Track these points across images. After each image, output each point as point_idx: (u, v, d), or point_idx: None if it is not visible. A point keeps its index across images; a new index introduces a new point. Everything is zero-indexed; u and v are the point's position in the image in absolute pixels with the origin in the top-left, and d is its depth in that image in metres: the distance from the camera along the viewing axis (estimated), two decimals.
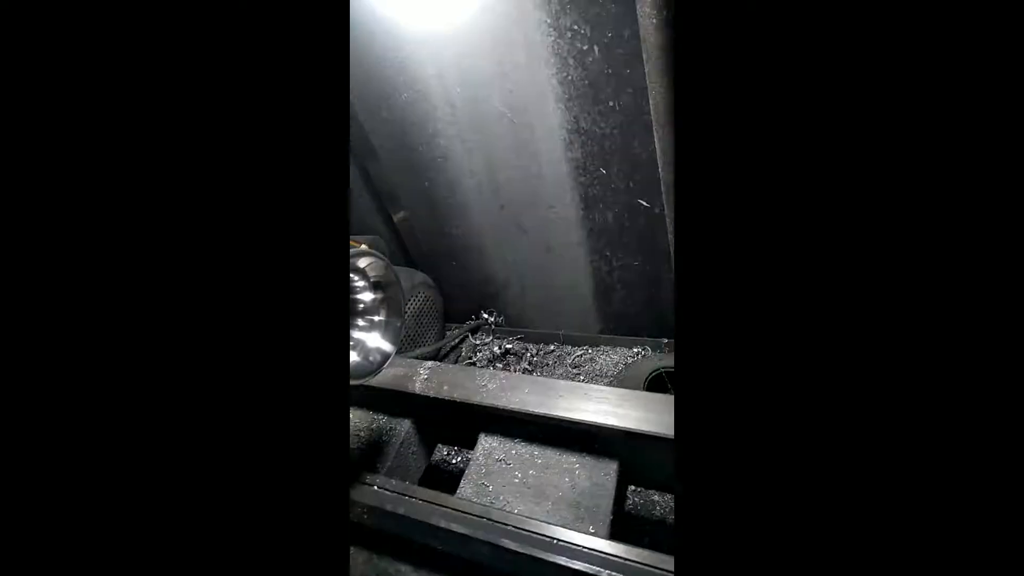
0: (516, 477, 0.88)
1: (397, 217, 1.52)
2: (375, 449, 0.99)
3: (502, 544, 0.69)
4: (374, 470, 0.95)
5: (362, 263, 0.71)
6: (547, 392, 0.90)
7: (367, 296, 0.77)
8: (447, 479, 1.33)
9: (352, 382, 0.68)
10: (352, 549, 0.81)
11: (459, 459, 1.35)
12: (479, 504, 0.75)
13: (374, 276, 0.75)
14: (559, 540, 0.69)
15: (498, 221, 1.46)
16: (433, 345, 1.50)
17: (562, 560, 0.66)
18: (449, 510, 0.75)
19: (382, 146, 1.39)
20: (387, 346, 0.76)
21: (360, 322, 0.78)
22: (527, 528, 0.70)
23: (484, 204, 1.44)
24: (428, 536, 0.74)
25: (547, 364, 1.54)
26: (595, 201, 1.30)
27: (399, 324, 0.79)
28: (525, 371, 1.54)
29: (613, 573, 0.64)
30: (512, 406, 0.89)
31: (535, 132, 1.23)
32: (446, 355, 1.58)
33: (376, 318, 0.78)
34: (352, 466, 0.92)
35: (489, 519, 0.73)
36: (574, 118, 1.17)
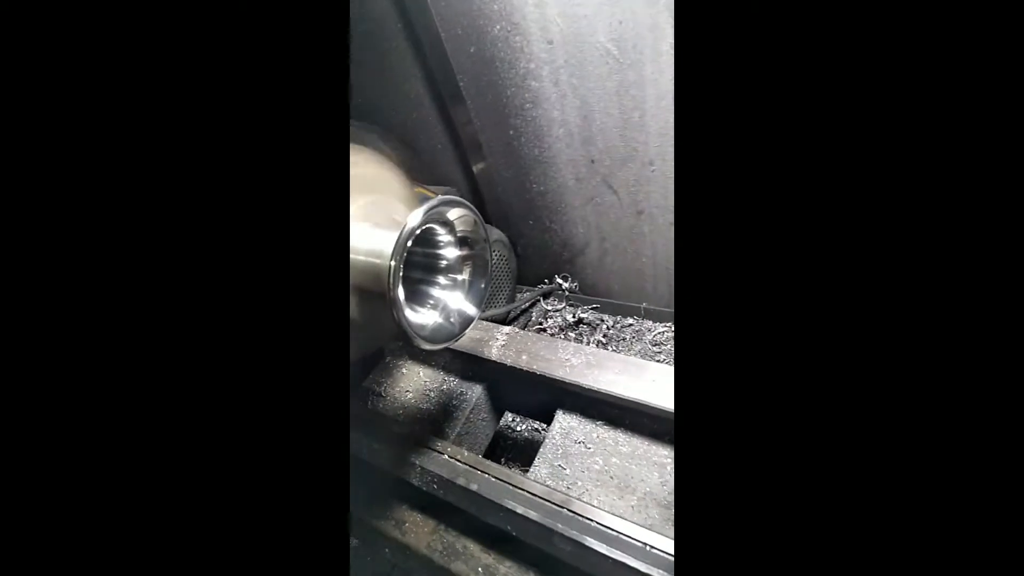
0: (597, 463, 0.80)
1: (476, 168, 1.42)
2: (445, 413, 0.94)
3: (586, 543, 0.61)
4: (443, 435, 0.91)
5: (452, 215, 0.62)
6: (639, 375, 0.79)
7: (451, 252, 0.69)
8: (511, 447, 1.28)
9: (430, 347, 0.60)
10: (419, 516, 0.77)
11: (524, 427, 1.29)
12: (559, 492, 0.67)
13: (462, 231, 0.66)
14: (653, 548, 0.60)
15: (586, 177, 1.32)
16: (503, 307, 1.42)
17: (656, 573, 0.57)
18: (526, 494, 0.68)
19: (467, 88, 1.27)
20: (470, 308, 0.68)
21: (442, 280, 0.70)
22: (616, 529, 0.62)
23: (572, 157, 1.31)
24: (501, 519, 0.68)
25: (624, 339, 1.42)
26: None
27: (484, 285, 0.70)
28: (599, 343, 1.43)
29: None
30: (599, 387, 0.79)
31: (643, 73, 1.06)
32: (515, 319, 1.51)
33: (459, 277, 0.70)
34: (421, 427, 0.88)
35: (570, 511, 0.65)
36: None
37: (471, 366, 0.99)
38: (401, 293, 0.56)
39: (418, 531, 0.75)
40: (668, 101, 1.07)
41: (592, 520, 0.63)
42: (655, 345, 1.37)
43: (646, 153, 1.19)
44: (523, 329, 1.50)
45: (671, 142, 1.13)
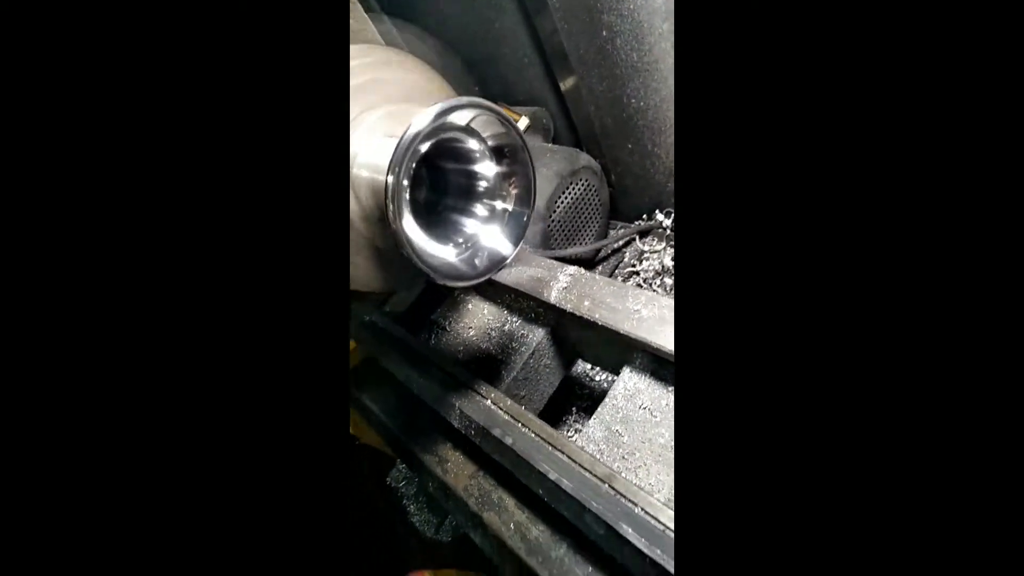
0: (662, 436, 0.67)
1: (564, 84, 1.23)
2: (503, 355, 0.89)
3: (620, 529, 0.51)
4: (498, 378, 0.86)
5: (462, 117, 0.49)
6: None
7: (487, 167, 0.57)
8: (586, 396, 1.20)
9: (448, 283, 0.52)
10: (461, 457, 0.75)
11: (603, 378, 1.20)
12: (602, 464, 0.58)
13: (491, 138, 0.53)
14: None
15: None
16: (590, 245, 1.28)
17: None
18: (564, 458, 0.60)
19: None
20: (506, 247, 0.57)
21: (479, 209, 0.60)
22: (661, 519, 0.51)
23: None
24: (533, 480, 0.61)
25: None
26: None
27: (527, 215, 0.58)
28: None
29: None
30: (669, 347, 0.65)
31: None
32: (604, 259, 1.36)
33: (500, 205, 0.59)
34: (471, 368, 0.83)
35: (612, 488, 0.56)
36: None
37: (536, 307, 0.91)
38: (407, 216, 0.48)
39: (458, 472, 0.73)
40: None
41: (636, 504, 0.53)
42: None
43: None
44: (612, 272, 1.35)
45: None
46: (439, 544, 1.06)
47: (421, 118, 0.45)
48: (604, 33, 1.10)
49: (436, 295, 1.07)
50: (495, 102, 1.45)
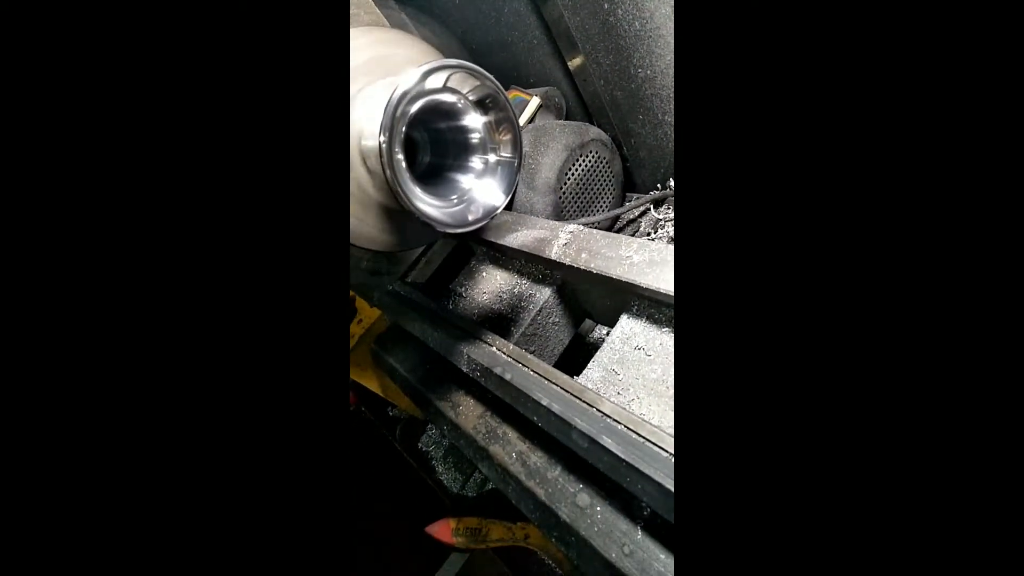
0: (655, 372, 0.71)
1: (572, 63, 1.28)
2: (513, 313, 0.95)
3: (602, 442, 0.56)
4: (508, 334, 0.91)
5: (439, 79, 0.55)
6: None
7: (475, 119, 0.62)
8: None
9: (445, 230, 0.58)
10: (472, 400, 0.81)
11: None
12: (590, 391, 0.62)
13: (471, 92, 0.59)
14: (671, 453, 0.52)
15: None
16: (604, 214, 1.31)
17: (668, 482, 0.50)
18: (557, 388, 0.65)
19: None
20: (499, 197, 0.63)
21: (475, 163, 0.66)
22: (640, 432, 0.55)
23: None
24: (529, 410, 0.66)
25: None
26: None
27: (516, 162, 0.63)
28: None
29: None
30: (657, 286, 0.68)
31: None
32: (620, 230, 1.38)
33: (492, 158, 0.64)
34: (484, 325, 0.90)
35: (598, 410, 0.60)
36: None
37: (544, 269, 0.96)
38: (404, 176, 0.54)
39: (468, 413, 0.80)
40: None
41: (619, 422, 0.57)
42: None
43: None
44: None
45: None
46: (465, 498, 1.14)
47: (404, 80, 0.51)
48: (606, 6, 1.13)
49: (454, 265, 1.15)
50: (507, 86, 1.52)
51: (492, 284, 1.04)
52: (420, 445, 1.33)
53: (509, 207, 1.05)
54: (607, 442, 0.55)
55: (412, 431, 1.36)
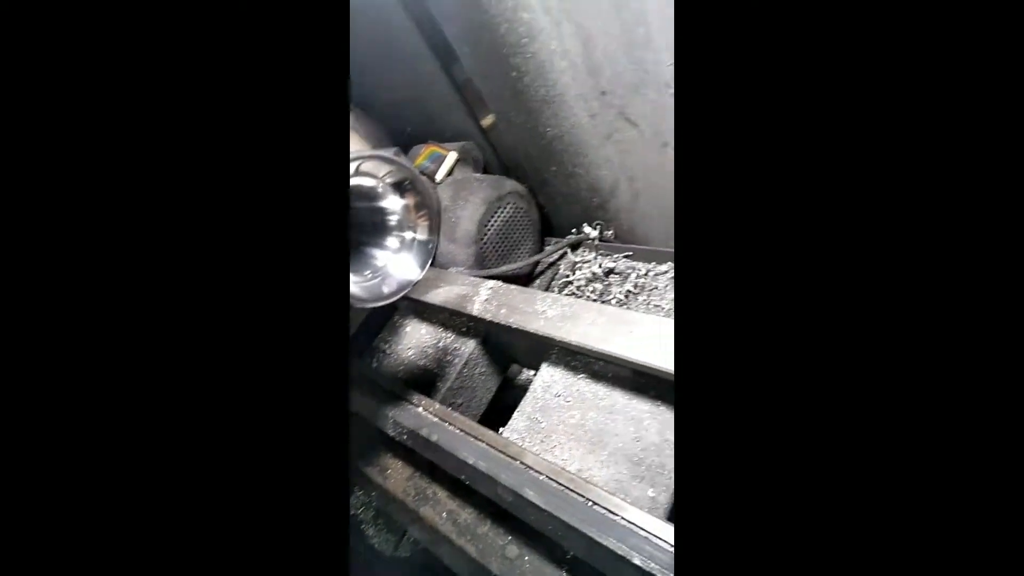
0: (574, 417, 0.76)
1: (484, 122, 1.36)
2: (439, 368, 0.96)
3: (525, 495, 0.59)
4: (435, 390, 0.93)
5: (364, 167, 0.60)
6: (615, 325, 0.72)
7: (394, 202, 0.66)
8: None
9: (356, 304, 0.61)
10: (400, 464, 0.81)
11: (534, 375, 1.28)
12: (515, 444, 0.66)
13: (388, 176, 0.63)
14: (595, 503, 0.56)
15: (600, 112, 1.20)
16: (525, 261, 1.38)
17: (592, 532, 0.54)
18: (483, 445, 0.67)
19: (458, 35, 1.21)
20: (414, 272, 0.67)
21: (391, 242, 0.69)
22: (559, 480, 0.59)
23: (581, 91, 1.19)
24: (457, 469, 0.68)
25: (655, 288, 1.31)
26: None
27: (432, 244, 0.68)
28: (629, 293, 1.33)
29: (652, 560, 0.50)
30: (571, 339, 0.74)
31: None
32: (541, 273, 1.46)
33: (409, 235, 0.68)
34: (409, 384, 0.91)
35: (522, 462, 0.63)
36: None
37: (468, 322, 0.99)
38: None
39: (397, 476, 0.79)
40: (673, 10, 0.91)
41: (540, 473, 0.61)
42: None
43: (659, 74, 1.04)
44: (548, 285, 1.45)
45: None
46: (399, 560, 1.10)
47: None
48: (513, 74, 1.23)
49: (378, 322, 1.15)
50: (425, 141, 1.57)
51: (417, 339, 1.05)
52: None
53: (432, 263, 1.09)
54: (530, 494, 0.58)
55: None
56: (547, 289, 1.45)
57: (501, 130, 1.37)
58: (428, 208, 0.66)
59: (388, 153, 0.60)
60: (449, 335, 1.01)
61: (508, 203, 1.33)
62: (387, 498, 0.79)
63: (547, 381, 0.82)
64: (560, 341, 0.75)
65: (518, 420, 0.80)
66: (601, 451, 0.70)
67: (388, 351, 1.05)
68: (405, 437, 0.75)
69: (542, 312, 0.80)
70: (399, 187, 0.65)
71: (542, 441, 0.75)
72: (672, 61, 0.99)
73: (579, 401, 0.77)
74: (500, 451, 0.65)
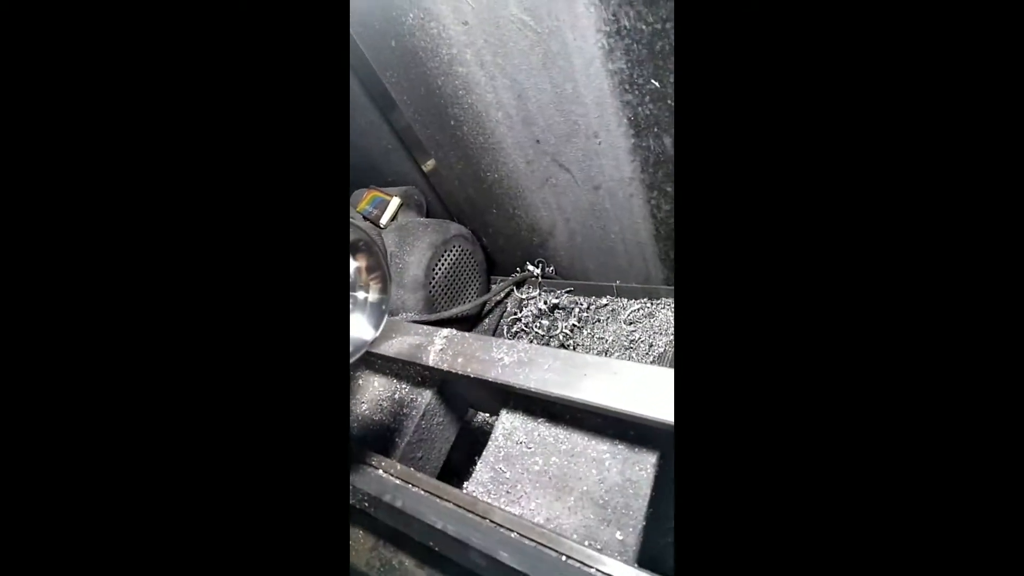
0: (537, 464, 0.77)
1: (425, 167, 1.38)
2: (396, 422, 0.94)
3: (499, 557, 0.58)
4: (393, 445, 0.90)
5: None
6: (570, 369, 0.75)
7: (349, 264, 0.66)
8: (483, 442, 1.27)
9: None
10: (361, 533, 0.77)
11: (494, 420, 1.27)
12: (482, 502, 0.65)
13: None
14: (568, 557, 0.57)
15: (535, 158, 1.26)
16: (473, 302, 1.39)
17: None
18: (450, 505, 0.66)
19: (397, 84, 1.23)
20: (368, 332, 0.66)
21: None
22: (532, 537, 0.59)
23: (517, 140, 1.25)
24: (424, 535, 0.66)
25: (599, 320, 1.37)
26: (648, 124, 1.04)
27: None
28: (574, 327, 1.38)
29: None
30: (530, 385, 0.75)
31: (565, 41, 0.99)
32: (490, 312, 1.48)
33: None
34: (367, 442, 0.87)
35: (492, 521, 0.63)
36: (612, 15, 0.91)
37: (423, 371, 0.98)
38: None
39: (359, 548, 0.75)
40: (596, 67, 0.99)
41: (512, 530, 0.61)
42: (630, 324, 1.31)
43: (588, 125, 1.12)
44: (498, 322, 1.47)
45: (611, 111, 1.06)
46: None
47: None
48: (452, 123, 1.27)
49: None
50: (366, 186, 1.55)
51: (370, 392, 1.01)
52: None
53: None
54: (504, 556, 0.58)
55: None
56: (496, 327, 1.46)
57: (442, 175, 1.40)
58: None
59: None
60: (404, 386, 0.99)
61: (454, 246, 1.35)
62: (351, 574, 0.74)
63: (508, 428, 0.83)
64: (520, 389, 0.76)
65: (482, 472, 0.79)
66: (567, 496, 0.71)
67: None
68: (367, 504, 0.72)
69: (499, 359, 0.81)
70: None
71: (508, 492, 0.75)
72: (598, 114, 1.07)
73: (541, 446, 0.78)
74: (468, 510, 0.64)
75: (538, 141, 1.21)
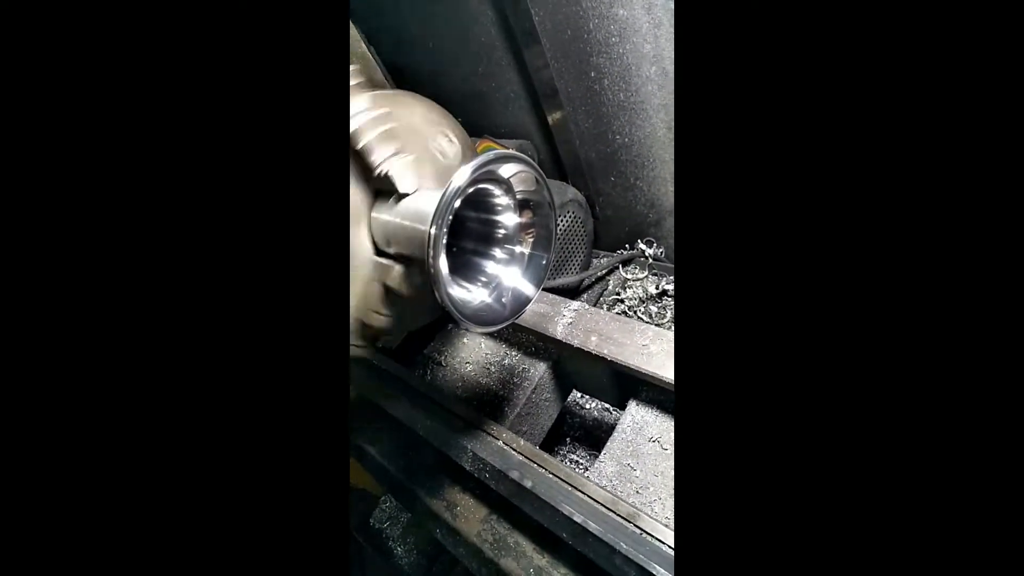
0: (672, 469, 0.68)
1: (551, 118, 1.27)
2: (505, 390, 0.88)
3: (653, 570, 0.51)
4: (502, 414, 0.84)
5: (507, 171, 0.51)
6: None
7: (509, 218, 0.58)
8: (577, 426, 1.20)
9: (477, 329, 0.52)
10: (471, 501, 0.73)
11: (593, 405, 1.20)
12: (624, 503, 0.58)
13: (522, 193, 0.55)
14: None
15: None
16: (575, 275, 1.30)
17: None
18: (586, 499, 0.60)
19: (542, 22, 1.11)
20: (527, 288, 0.58)
21: (499, 252, 0.61)
22: None
23: (664, 101, 1.11)
24: (555, 523, 0.60)
25: None
26: None
27: (545, 261, 0.59)
28: None
29: None
30: None
31: None
32: (588, 288, 1.38)
33: (519, 249, 0.60)
34: (473, 405, 0.82)
35: (637, 527, 0.56)
36: None
37: (536, 341, 0.91)
38: (444, 265, 0.48)
39: (469, 517, 0.71)
40: None
41: (664, 543, 0.53)
42: None
43: None
44: (597, 301, 1.37)
45: None
46: None
47: (462, 173, 0.45)
48: (592, 74, 1.15)
49: (427, 329, 1.05)
50: (480, 135, 1.45)
51: (477, 354, 0.96)
52: (372, 522, 1.18)
53: None
54: (659, 571, 0.51)
55: (362, 506, 1.21)
56: (595, 305, 1.37)
57: (565, 131, 1.28)
58: (545, 228, 0.58)
59: (540, 174, 0.52)
60: (515, 353, 0.92)
61: (569, 211, 1.25)
62: (456, 540, 0.71)
63: (638, 422, 0.75)
64: (670, 383, 0.67)
65: (606, 464, 0.72)
66: None
67: (443, 363, 0.96)
68: (487, 476, 0.67)
69: (643, 346, 0.72)
70: (523, 204, 0.57)
71: (638, 492, 0.68)
72: None
73: None
74: (609, 509, 0.58)
75: None
